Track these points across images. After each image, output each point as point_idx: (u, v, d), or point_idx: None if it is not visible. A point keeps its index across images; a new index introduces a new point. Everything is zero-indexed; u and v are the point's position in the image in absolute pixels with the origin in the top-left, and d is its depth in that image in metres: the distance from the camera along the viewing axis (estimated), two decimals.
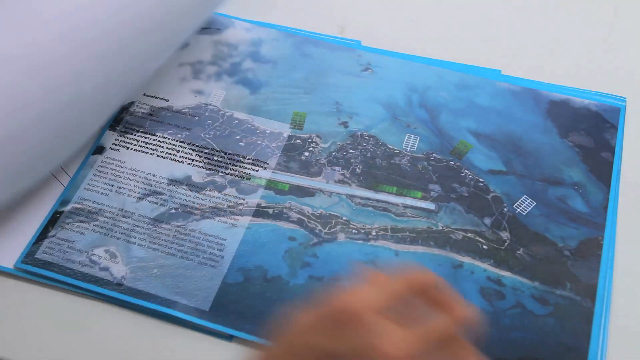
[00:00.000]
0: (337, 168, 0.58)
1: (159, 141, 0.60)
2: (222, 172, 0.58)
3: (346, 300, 0.36)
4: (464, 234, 0.53)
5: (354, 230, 0.54)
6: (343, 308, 0.35)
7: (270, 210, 0.55)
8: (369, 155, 0.58)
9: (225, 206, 0.56)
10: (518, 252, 0.52)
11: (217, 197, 0.56)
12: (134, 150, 0.60)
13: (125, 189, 0.57)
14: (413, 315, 0.37)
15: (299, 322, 0.37)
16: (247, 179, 0.57)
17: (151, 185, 0.57)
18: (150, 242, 0.54)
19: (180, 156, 0.59)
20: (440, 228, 0.54)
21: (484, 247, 0.52)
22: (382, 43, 0.66)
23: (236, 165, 0.58)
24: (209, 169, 0.58)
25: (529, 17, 0.68)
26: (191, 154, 0.59)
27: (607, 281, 0.50)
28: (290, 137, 0.60)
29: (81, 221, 0.55)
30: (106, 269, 0.52)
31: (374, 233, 0.54)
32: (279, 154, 0.59)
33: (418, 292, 0.38)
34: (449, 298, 0.38)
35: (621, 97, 0.60)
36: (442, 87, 0.62)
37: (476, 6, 0.69)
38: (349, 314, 0.35)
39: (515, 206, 0.54)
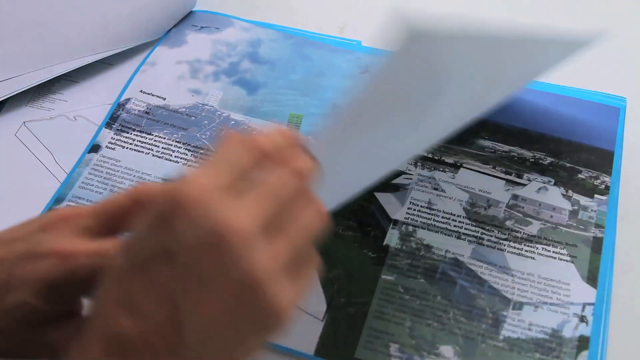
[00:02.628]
0: None
1: (154, 141, 0.60)
2: None
3: (175, 186, 0.30)
4: None
5: None
6: (171, 196, 0.30)
7: None
8: None
9: None
10: None
11: None
12: (130, 149, 0.60)
13: (120, 187, 0.57)
14: (255, 180, 0.32)
15: (136, 223, 0.32)
16: None
17: None
18: None
19: (175, 156, 0.59)
20: None
21: None
22: (382, 43, 0.65)
23: None
24: None
25: (529, 17, 0.68)
26: (187, 154, 0.59)
27: (607, 280, 0.50)
28: None
29: None
30: None
31: None
32: None
33: (257, 152, 0.33)
34: (289, 153, 0.34)
35: (621, 97, 0.60)
36: None
37: (476, 6, 0.69)
38: (177, 201, 0.30)
39: None
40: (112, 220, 0.39)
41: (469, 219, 0.54)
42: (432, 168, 0.58)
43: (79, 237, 0.38)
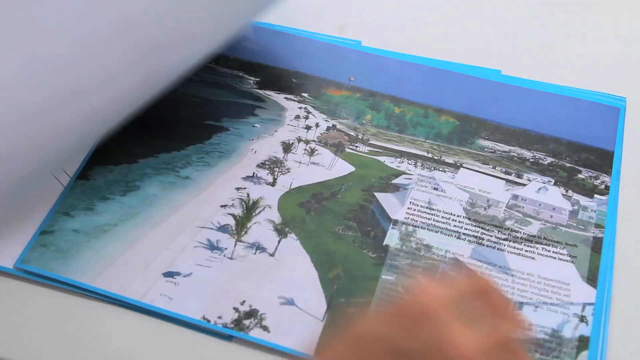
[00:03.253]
0: None
1: None
2: None
3: (418, 296, 0.36)
4: None
5: None
6: (414, 303, 0.36)
7: None
8: None
9: None
10: None
11: None
12: None
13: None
14: (474, 317, 0.37)
15: (370, 316, 0.38)
16: None
17: None
18: None
19: None
20: None
21: None
22: (382, 43, 0.66)
23: None
24: None
25: (529, 17, 0.68)
26: None
27: (607, 280, 0.50)
28: None
29: None
30: None
31: None
32: None
33: (477, 294, 0.38)
34: (507, 305, 0.39)
35: (621, 97, 0.60)
36: None
37: (476, 6, 0.69)
38: (420, 309, 0.35)
39: None
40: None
41: (469, 219, 0.54)
42: (432, 168, 0.58)
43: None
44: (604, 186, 0.56)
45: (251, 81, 0.66)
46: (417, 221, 0.54)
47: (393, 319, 0.36)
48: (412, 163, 0.58)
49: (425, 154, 0.59)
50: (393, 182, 0.57)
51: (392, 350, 0.35)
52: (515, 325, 0.38)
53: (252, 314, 0.50)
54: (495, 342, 0.36)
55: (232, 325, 0.49)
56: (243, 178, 0.58)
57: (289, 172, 0.58)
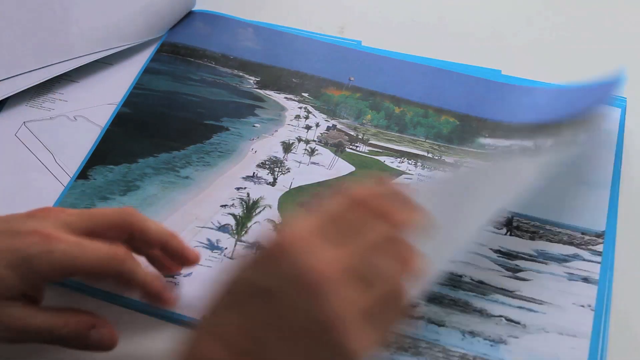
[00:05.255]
0: None
1: None
2: None
3: (280, 233, 0.35)
4: None
5: None
6: (274, 241, 0.35)
7: None
8: None
9: None
10: None
11: None
12: None
13: None
14: (353, 231, 0.35)
15: (241, 261, 0.36)
16: None
17: None
18: None
19: None
20: None
21: None
22: (382, 43, 0.66)
23: None
24: None
25: (529, 17, 0.68)
26: None
27: (607, 281, 0.50)
28: None
29: None
30: None
31: None
32: None
33: (359, 205, 0.36)
34: (390, 204, 0.37)
35: (621, 97, 0.60)
36: None
37: (476, 6, 0.69)
38: (278, 245, 0.34)
39: None
40: (93, 227, 0.44)
41: None
42: (432, 168, 0.58)
43: (62, 228, 0.42)
44: None
45: (251, 81, 0.66)
46: None
47: (256, 260, 0.35)
48: (413, 163, 0.58)
49: (425, 154, 0.59)
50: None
51: (253, 291, 0.34)
52: (397, 222, 0.36)
53: None
54: (369, 248, 0.34)
55: None
56: (243, 178, 0.58)
57: (289, 172, 0.58)
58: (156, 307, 0.48)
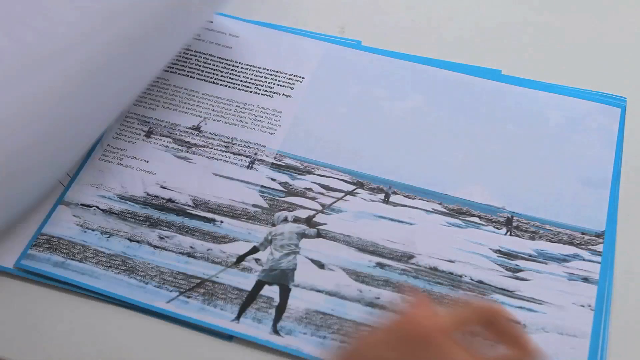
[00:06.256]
0: None
1: None
2: None
3: (417, 318, 0.36)
4: None
5: None
6: (414, 326, 0.36)
7: None
8: None
9: None
10: None
11: None
12: None
13: None
14: (479, 345, 0.38)
15: (370, 335, 0.37)
16: None
17: None
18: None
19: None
20: None
21: None
22: (382, 43, 0.66)
23: None
24: None
25: (529, 17, 0.68)
26: None
27: (607, 281, 0.50)
28: None
29: None
30: None
31: None
32: None
33: (486, 322, 0.38)
34: (517, 332, 0.39)
35: (621, 97, 0.60)
36: None
37: (476, 6, 0.69)
38: (420, 332, 0.36)
39: None
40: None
41: None
42: None
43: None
44: None
45: None
46: None
47: (395, 342, 0.36)
48: None
49: None
50: None
51: None
52: (527, 355, 0.38)
53: None
54: None
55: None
56: None
57: None
58: None
